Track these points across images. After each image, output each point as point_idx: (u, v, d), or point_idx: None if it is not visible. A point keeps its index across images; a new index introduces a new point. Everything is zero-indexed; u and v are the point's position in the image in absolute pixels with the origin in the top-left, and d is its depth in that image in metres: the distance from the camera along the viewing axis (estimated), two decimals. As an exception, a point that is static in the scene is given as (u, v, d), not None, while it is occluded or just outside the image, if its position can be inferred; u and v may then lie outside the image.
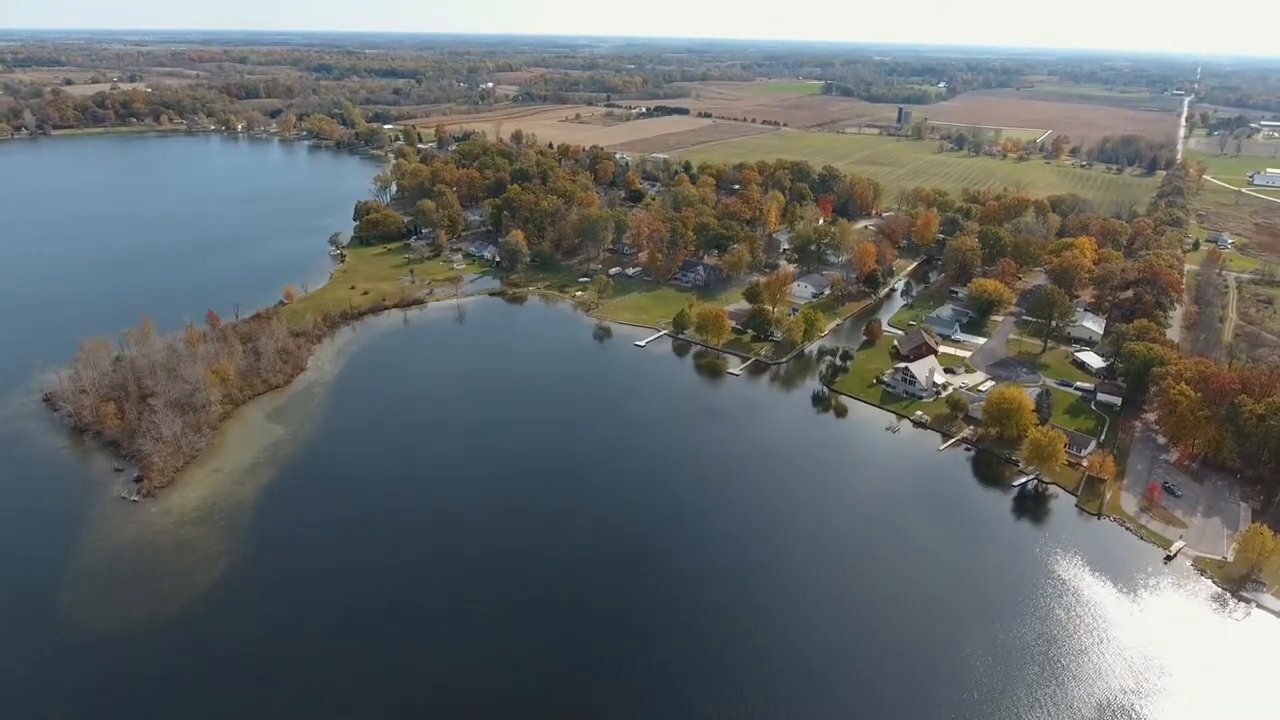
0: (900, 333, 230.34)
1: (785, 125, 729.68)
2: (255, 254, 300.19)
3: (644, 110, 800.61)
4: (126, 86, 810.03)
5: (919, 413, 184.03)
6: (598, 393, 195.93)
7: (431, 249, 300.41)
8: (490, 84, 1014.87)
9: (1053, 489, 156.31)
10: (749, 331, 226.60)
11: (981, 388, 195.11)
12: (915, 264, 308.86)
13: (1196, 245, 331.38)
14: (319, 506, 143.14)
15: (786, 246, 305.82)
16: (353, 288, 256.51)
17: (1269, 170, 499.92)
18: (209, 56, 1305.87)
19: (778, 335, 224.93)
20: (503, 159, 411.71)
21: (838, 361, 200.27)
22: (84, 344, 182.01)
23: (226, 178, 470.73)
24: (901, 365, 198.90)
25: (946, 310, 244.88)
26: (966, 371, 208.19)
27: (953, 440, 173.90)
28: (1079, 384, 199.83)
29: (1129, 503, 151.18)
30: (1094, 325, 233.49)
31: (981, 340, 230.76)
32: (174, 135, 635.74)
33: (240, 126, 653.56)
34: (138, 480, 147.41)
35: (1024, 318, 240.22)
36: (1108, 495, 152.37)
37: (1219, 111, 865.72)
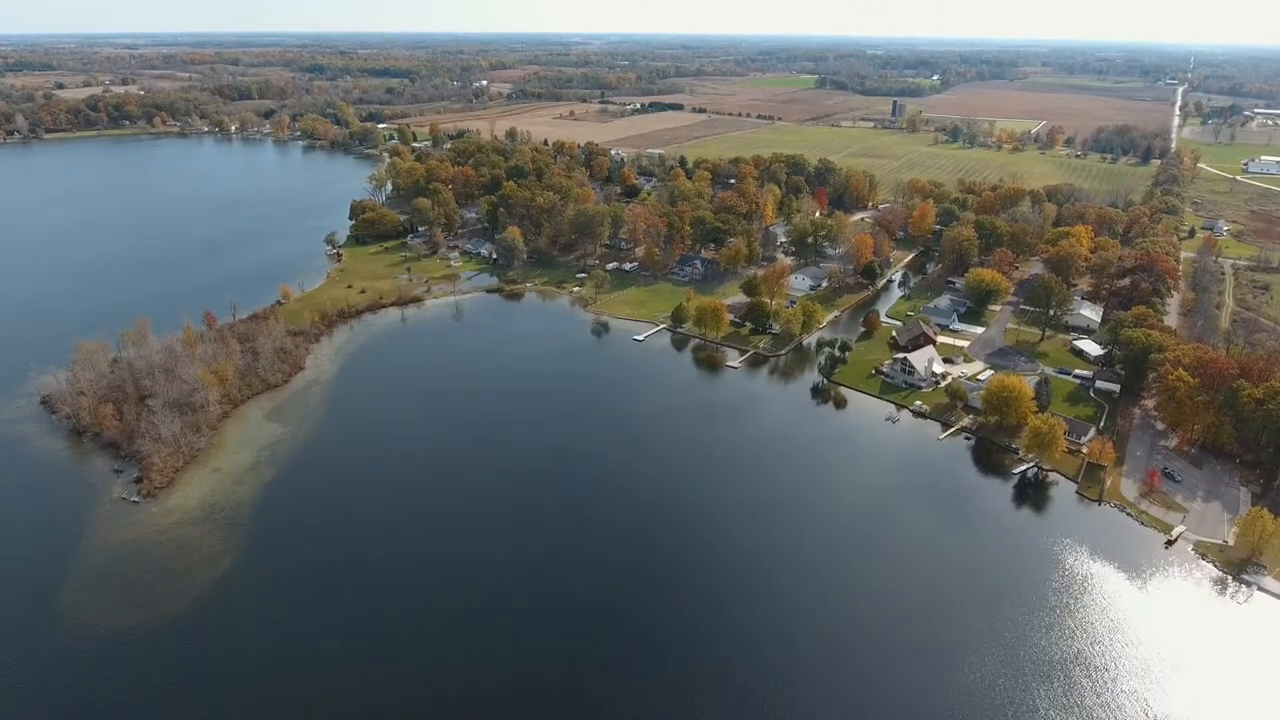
0: (898, 323, 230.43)
1: (780, 119, 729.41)
2: (251, 254, 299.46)
3: (638, 106, 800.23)
4: (119, 89, 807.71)
5: (918, 402, 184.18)
6: (598, 388, 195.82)
7: (428, 247, 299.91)
8: (484, 82, 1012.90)
9: (1053, 476, 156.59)
10: (747, 324, 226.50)
11: (980, 377, 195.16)
12: (912, 255, 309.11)
13: (1192, 233, 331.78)
14: (319, 505, 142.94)
15: (783, 239, 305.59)
16: (349, 286, 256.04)
17: (1263, 158, 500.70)
18: (201, 58, 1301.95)
19: (776, 328, 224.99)
20: (498, 156, 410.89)
21: (836, 353, 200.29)
22: (81, 346, 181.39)
23: (220, 179, 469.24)
24: (900, 356, 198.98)
25: (944, 300, 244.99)
26: (965, 361, 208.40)
27: (952, 429, 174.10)
28: (1077, 372, 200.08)
29: (1129, 489, 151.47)
30: (1091, 313, 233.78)
31: (979, 330, 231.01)
32: (167, 137, 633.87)
33: (234, 128, 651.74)
34: (137, 481, 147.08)
35: (1022, 307, 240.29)
36: (1108, 482, 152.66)
37: (1212, 100, 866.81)
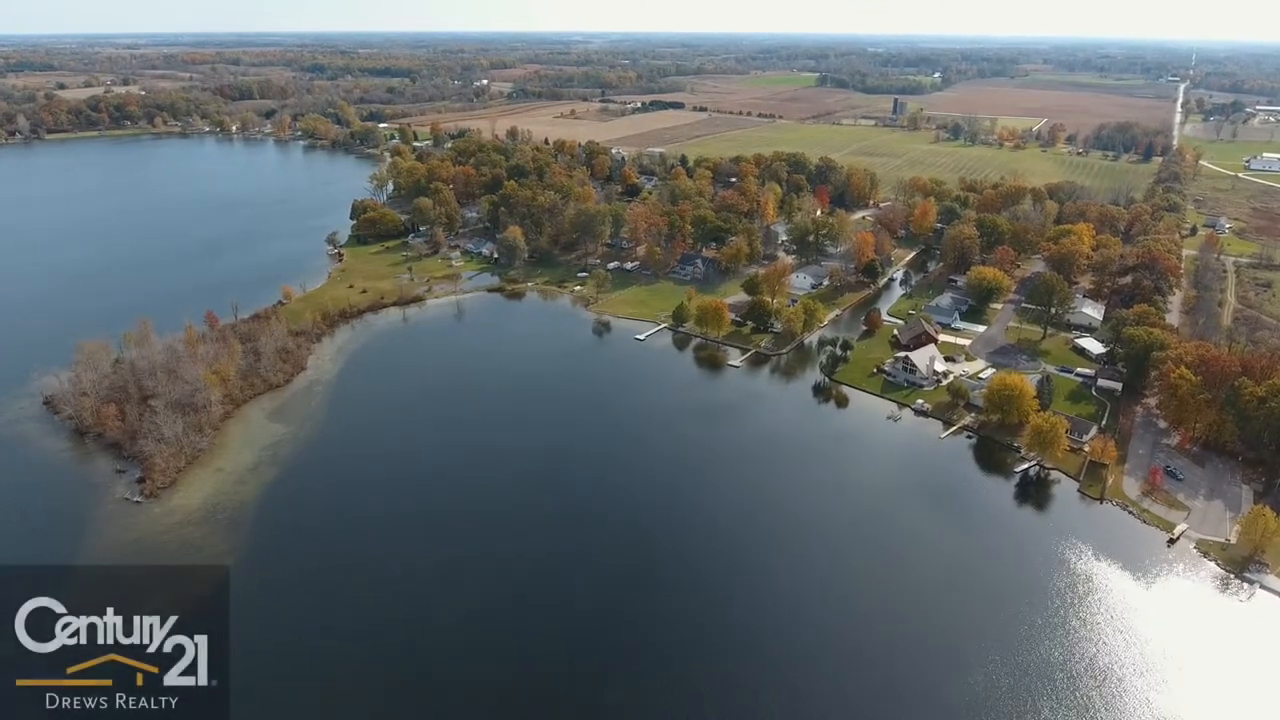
0: (900, 322, 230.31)
1: (781, 118, 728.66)
2: (252, 255, 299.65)
3: (639, 105, 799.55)
4: (120, 90, 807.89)
5: (920, 401, 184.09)
6: (599, 388, 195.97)
7: (429, 246, 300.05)
8: (485, 81, 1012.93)
9: (1055, 475, 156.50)
10: (748, 323, 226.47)
11: (982, 375, 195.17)
12: (913, 253, 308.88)
13: (1194, 230, 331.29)
14: (321, 505, 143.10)
15: (784, 238, 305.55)
16: (351, 286, 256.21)
17: (1265, 155, 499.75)
18: (202, 58, 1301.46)
19: (777, 327, 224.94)
20: (499, 155, 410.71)
21: (838, 352, 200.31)
22: (83, 346, 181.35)
23: (221, 179, 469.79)
24: (902, 354, 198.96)
25: (945, 299, 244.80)
26: (966, 359, 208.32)
27: (954, 428, 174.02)
28: (1079, 370, 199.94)
29: (1131, 487, 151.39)
30: (1093, 311, 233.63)
31: (981, 328, 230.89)
32: (168, 137, 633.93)
33: (235, 128, 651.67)
34: (140, 481, 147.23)
35: (1023, 305, 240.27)
36: (1110, 480, 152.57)
37: (1214, 97, 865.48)
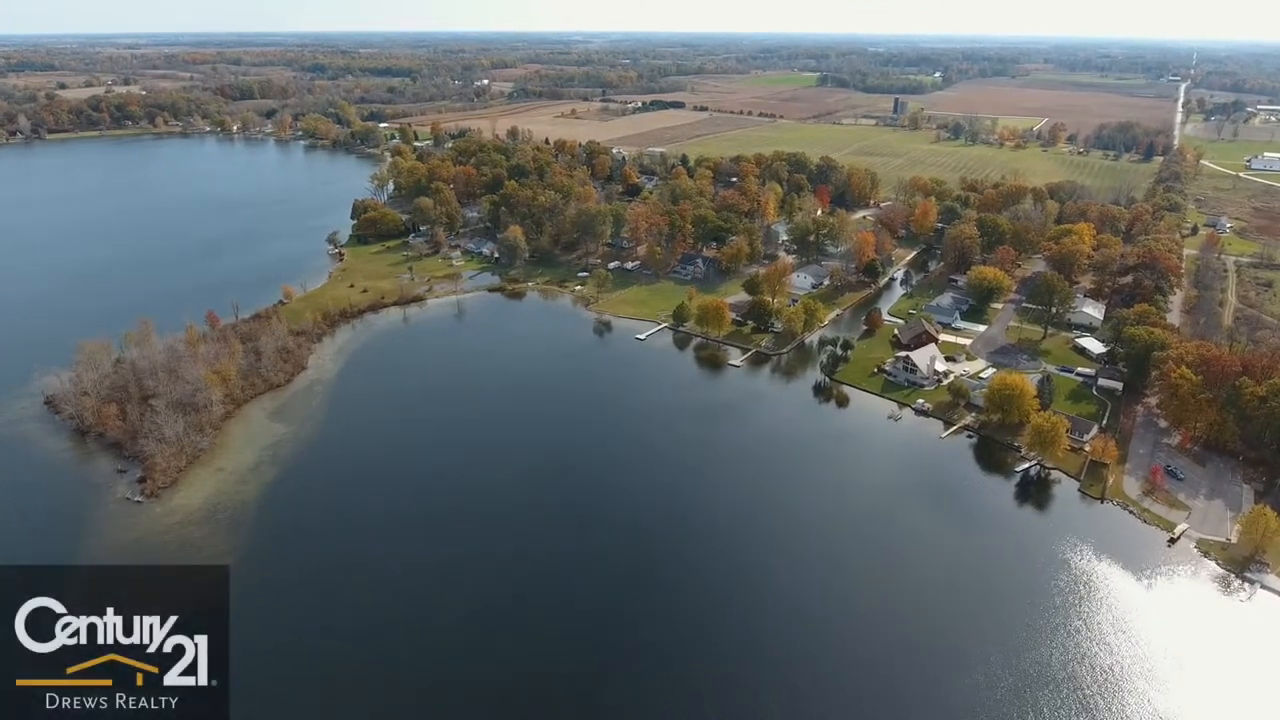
0: (900, 322, 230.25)
1: (781, 117, 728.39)
2: (253, 254, 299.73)
3: (640, 105, 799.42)
4: (121, 89, 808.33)
5: (920, 401, 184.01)
6: (599, 387, 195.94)
7: (430, 246, 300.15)
8: (485, 81, 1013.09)
9: (1055, 474, 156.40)
10: (749, 323, 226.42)
11: (983, 375, 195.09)
12: (914, 253, 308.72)
13: (1195, 230, 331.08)
14: (321, 505, 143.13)
15: (785, 238, 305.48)
16: (351, 286, 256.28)
17: (1267, 154, 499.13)
18: (203, 58, 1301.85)
19: (778, 326, 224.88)
20: (499, 155, 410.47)
21: (838, 351, 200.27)
22: (84, 346, 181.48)
23: (222, 179, 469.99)
24: (902, 354, 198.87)
25: (946, 298, 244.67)
26: (967, 359, 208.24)
27: (955, 428, 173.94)
28: (1080, 370, 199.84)
29: (1131, 487, 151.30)
30: (1094, 311, 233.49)
31: (982, 328, 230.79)
32: (169, 137, 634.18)
33: (236, 128, 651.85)
34: (141, 481, 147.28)
35: (1024, 304, 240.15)
36: (1110, 480, 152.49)
37: (1215, 97, 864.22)
